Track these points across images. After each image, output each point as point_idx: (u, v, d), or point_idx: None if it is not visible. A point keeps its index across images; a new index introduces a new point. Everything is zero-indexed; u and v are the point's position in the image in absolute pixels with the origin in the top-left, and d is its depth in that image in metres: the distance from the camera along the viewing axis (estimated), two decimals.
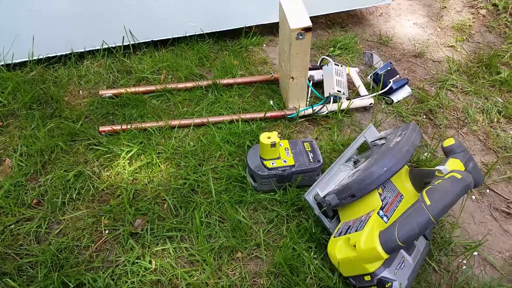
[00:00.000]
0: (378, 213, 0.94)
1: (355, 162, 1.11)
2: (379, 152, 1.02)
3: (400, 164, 0.93)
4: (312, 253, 1.02)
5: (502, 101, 1.53)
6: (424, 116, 1.47)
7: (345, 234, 0.95)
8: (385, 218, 0.94)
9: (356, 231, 0.92)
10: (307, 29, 1.14)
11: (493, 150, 1.36)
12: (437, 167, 0.96)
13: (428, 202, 0.82)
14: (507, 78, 1.61)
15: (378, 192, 0.98)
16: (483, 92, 1.57)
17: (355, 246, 0.88)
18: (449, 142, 1.01)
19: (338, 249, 0.94)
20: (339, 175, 1.09)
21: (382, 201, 0.97)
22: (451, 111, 1.50)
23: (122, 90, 1.38)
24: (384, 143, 1.06)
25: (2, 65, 1.42)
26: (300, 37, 1.16)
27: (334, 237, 0.97)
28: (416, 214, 0.82)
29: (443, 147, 1.02)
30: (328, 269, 0.99)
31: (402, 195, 1.01)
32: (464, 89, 1.59)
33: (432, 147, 1.33)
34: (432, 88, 1.60)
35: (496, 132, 1.42)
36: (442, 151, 1.04)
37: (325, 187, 1.06)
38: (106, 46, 1.52)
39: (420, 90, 1.57)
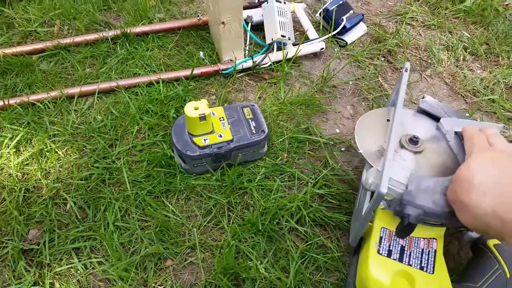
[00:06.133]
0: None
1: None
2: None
3: None
4: (262, 250, 0.82)
5: (468, 35, 1.34)
6: (383, 59, 1.25)
7: (399, 260, 0.65)
8: None
9: (420, 268, 0.64)
10: None
11: (461, 95, 1.19)
12: None
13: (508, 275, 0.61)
14: (472, 7, 1.41)
15: None
16: (447, 25, 1.37)
17: None
18: None
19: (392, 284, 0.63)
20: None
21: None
22: (412, 50, 1.29)
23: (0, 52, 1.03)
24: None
25: None
26: None
27: (379, 253, 0.66)
28: None
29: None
30: (279, 270, 0.79)
31: None
32: (425, 22, 1.38)
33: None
34: (390, 23, 1.37)
35: (463, 72, 1.24)
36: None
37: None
38: None
39: (377, 27, 1.33)
